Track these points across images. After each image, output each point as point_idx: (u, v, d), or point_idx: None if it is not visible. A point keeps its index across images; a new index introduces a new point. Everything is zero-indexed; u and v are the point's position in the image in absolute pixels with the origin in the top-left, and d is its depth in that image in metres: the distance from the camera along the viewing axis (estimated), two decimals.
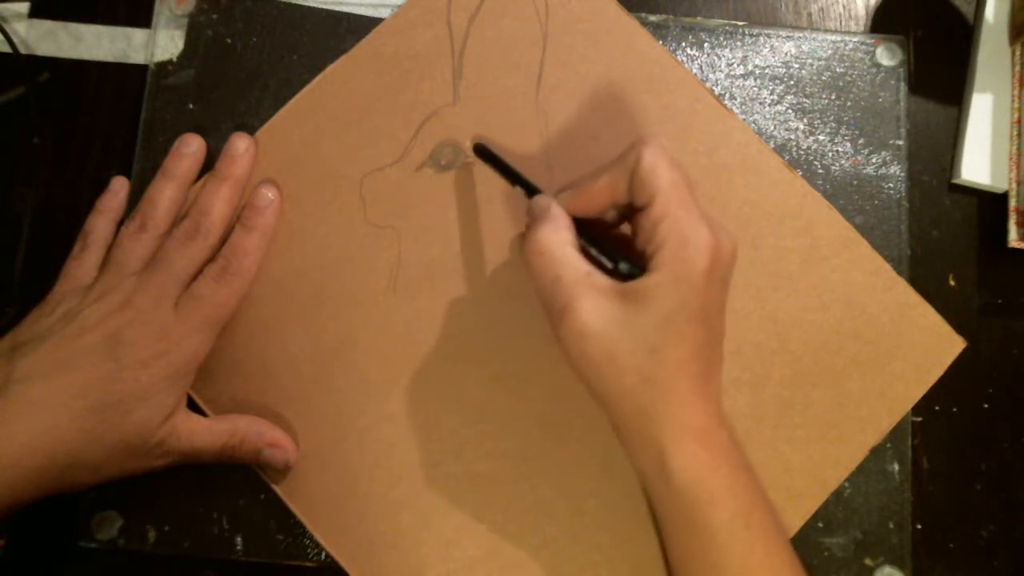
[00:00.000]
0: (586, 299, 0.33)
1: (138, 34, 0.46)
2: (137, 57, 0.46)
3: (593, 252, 0.35)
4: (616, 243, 0.36)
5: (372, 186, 0.43)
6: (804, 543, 0.41)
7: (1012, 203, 0.44)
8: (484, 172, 0.43)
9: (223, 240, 0.41)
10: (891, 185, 0.44)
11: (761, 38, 0.46)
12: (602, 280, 0.34)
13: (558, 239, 0.34)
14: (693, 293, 0.32)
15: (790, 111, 0.45)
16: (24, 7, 0.46)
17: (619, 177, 0.35)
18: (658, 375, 0.32)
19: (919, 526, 0.42)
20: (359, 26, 0.45)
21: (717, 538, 0.33)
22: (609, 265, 0.35)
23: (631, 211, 0.35)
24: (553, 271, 0.34)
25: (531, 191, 0.38)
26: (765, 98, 0.45)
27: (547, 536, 0.40)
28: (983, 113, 0.45)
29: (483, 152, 0.41)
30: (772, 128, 0.45)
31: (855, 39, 0.46)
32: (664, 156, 0.34)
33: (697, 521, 0.33)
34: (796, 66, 0.45)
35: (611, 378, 0.33)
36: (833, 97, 0.45)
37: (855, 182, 0.44)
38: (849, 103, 0.45)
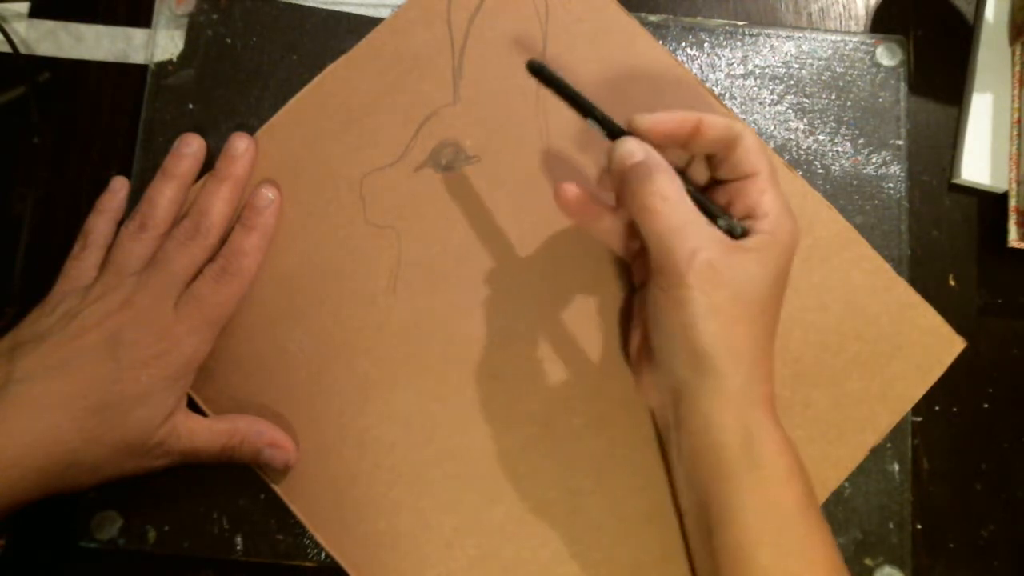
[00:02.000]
0: (717, 248, 0.34)
1: (138, 34, 0.46)
2: (137, 57, 0.46)
3: (711, 208, 0.35)
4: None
5: (372, 186, 0.43)
6: None
7: (1012, 203, 0.44)
8: (485, 171, 0.43)
9: (223, 240, 0.41)
10: (891, 185, 0.44)
11: (761, 38, 0.45)
12: (718, 233, 0.35)
13: (677, 187, 0.35)
14: (787, 261, 0.35)
15: (790, 111, 0.45)
16: (24, 7, 0.46)
17: (713, 129, 0.35)
18: (761, 339, 0.35)
19: (919, 526, 0.42)
20: (359, 26, 0.45)
21: (790, 518, 0.33)
22: (720, 221, 0.35)
23: (712, 177, 0.37)
24: (679, 217, 0.34)
25: (612, 130, 0.36)
26: (765, 98, 0.45)
27: (547, 536, 0.40)
28: (983, 113, 0.45)
29: (540, 72, 0.36)
30: (772, 128, 0.45)
31: (855, 39, 0.46)
32: (760, 140, 0.36)
33: (769, 498, 0.33)
34: (796, 66, 0.45)
35: (722, 336, 0.33)
36: (833, 97, 0.45)
37: (855, 182, 0.44)
38: (849, 103, 0.45)
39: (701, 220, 0.34)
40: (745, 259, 0.34)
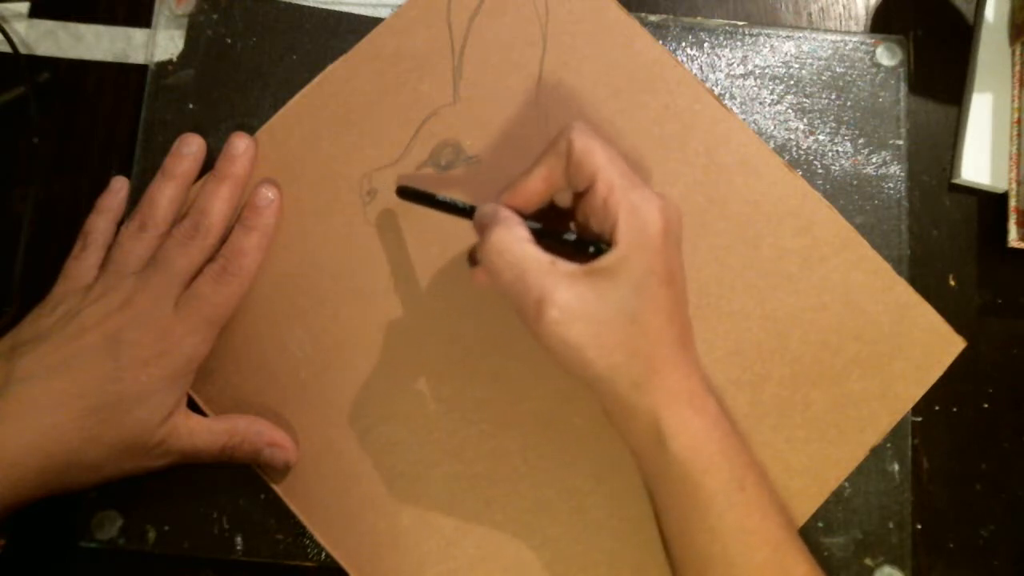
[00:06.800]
0: (560, 287, 0.33)
1: (138, 34, 0.46)
2: (137, 57, 0.46)
3: (565, 238, 0.35)
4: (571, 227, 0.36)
5: (372, 185, 0.43)
6: (804, 543, 0.41)
7: (1012, 203, 0.44)
8: (485, 171, 0.43)
9: (223, 240, 0.41)
10: (891, 185, 0.44)
11: (761, 38, 0.45)
12: (568, 266, 0.34)
13: (513, 236, 0.34)
14: (656, 256, 0.33)
15: (790, 111, 0.45)
16: (24, 7, 0.46)
17: (554, 166, 0.35)
18: (643, 346, 0.33)
19: (919, 526, 0.42)
20: (359, 26, 0.45)
21: (714, 503, 0.33)
22: (590, 249, 0.34)
23: (575, 198, 0.36)
24: (517, 268, 0.33)
25: (470, 211, 0.37)
26: (765, 98, 0.45)
27: (547, 536, 0.40)
28: (983, 113, 0.45)
29: (408, 192, 0.40)
30: (772, 128, 0.45)
31: (855, 39, 0.46)
32: (594, 137, 0.34)
33: (693, 487, 0.33)
34: (796, 66, 0.45)
35: (599, 359, 0.33)
36: (833, 97, 0.45)
37: (855, 182, 0.44)
38: (849, 103, 0.45)
39: (544, 261, 0.33)
40: (594, 282, 0.33)
